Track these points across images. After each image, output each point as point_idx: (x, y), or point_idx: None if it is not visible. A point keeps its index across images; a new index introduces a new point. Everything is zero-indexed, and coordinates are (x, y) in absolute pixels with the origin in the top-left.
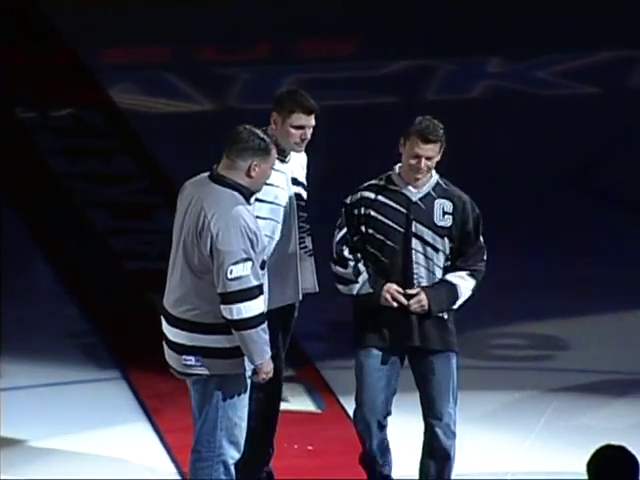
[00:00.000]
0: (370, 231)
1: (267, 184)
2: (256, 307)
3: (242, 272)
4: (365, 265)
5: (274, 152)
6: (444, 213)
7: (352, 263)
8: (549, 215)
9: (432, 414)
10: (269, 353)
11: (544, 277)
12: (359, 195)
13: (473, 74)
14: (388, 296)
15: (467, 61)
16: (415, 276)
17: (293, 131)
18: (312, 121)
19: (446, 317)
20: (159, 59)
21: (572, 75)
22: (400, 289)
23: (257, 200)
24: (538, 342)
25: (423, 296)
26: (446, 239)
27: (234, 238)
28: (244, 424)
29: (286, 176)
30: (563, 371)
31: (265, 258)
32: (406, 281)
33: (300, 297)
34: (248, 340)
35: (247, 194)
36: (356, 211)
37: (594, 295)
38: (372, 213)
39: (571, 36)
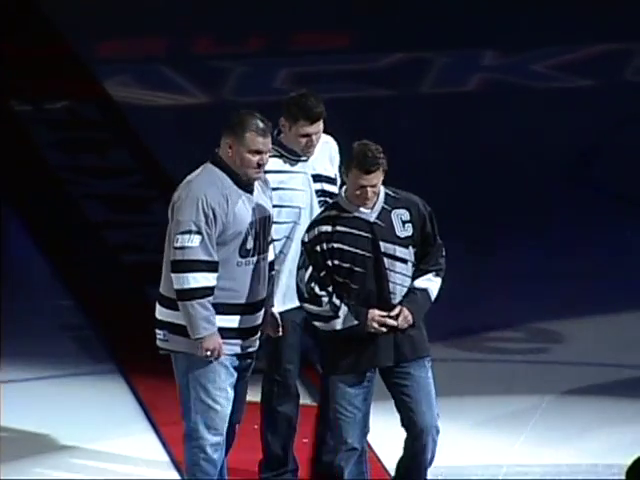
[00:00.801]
0: (336, 262)
1: (285, 189)
2: (196, 280)
3: (187, 243)
4: (339, 297)
5: (252, 136)
6: (403, 223)
7: (326, 299)
8: (544, 208)
9: (419, 420)
10: (209, 330)
11: (539, 270)
12: (316, 231)
13: (468, 67)
14: (375, 324)
15: (462, 54)
16: (391, 295)
17: (299, 138)
18: (318, 128)
19: (417, 323)
20: (154, 52)
21: (567, 68)
22: (383, 313)
23: (275, 206)
24: (533, 335)
25: (407, 312)
26: (410, 248)
27: (188, 208)
28: (221, 408)
29: (305, 176)
30: (558, 364)
31: (249, 247)
32: (382, 302)
33: None
34: (185, 312)
35: (232, 174)
36: (318, 247)
37: (588, 288)
38: (335, 245)
39: (566, 29)
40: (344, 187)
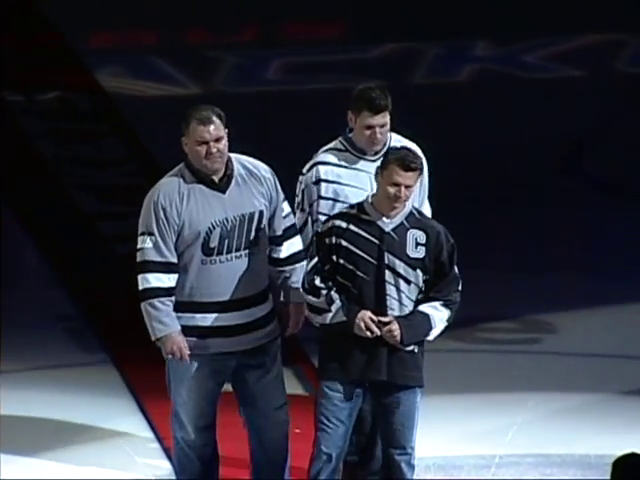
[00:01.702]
0: (341, 261)
1: (341, 183)
2: (147, 281)
3: (140, 244)
4: (337, 293)
5: (194, 126)
6: (417, 244)
7: (324, 292)
8: (537, 199)
9: (396, 446)
10: (162, 331)
11: (533, 261)
12: (330, 224)
13: (460, 58)
14: (362, 325)
15: (454, 45)
16: (387, 309)
17: (363, 130)
18: (382, 120)
19: (416, 351)
20: (146, 43)
21: (559, 58)
22: (374, 317)
23: (330, 199)
24: (526, 325)
25: (395, 326)
26: (419, 271)
27: (143, 210)
28: (192, 404)
29: (367, 176)
30: (551, 354)
31: (213, 245)
32: (377, 313)
33: None
34: (143, 314)
35: (195, 172)
36: (327, 240)
37: (582, 279)
38: (343, 243)
39: (558, 19)
40: (371, 193)
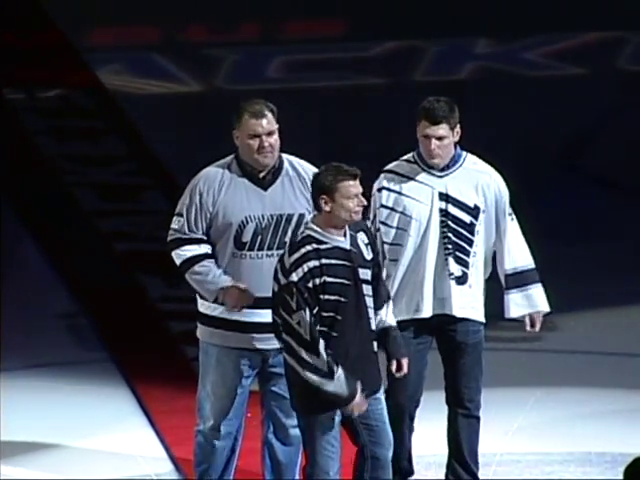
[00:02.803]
0: (325, 297)
1: (401, 194)
2: (180, 256)
3: (173, 225)
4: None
5: (246, 120)
6: (365, 245)
7: (323, 352)
8: (538, 196)
9: (381, 445)
10: (213, 292)
11: (533, 258)
12: (305, 268)
13: (461, 55)
14: (356, 412)
15: (455, 42)
16: (371, 320)
17: (422, 139)
18: (439, 132)
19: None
20: (147, 40)
21: (560, 56)
22: (365, 404)
23: (391, 209)
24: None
25: (404, 362)
26: (372, 269)
27: (184, 194)
28: (215, 399)
29: (431, 190)
30: (552, 352)
31: (246, 240)
32: (362, 329)
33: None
34: (189, 282)
35: (244, 165)
36: (310, 284)
37: (583, 276)
38: (327, 279)
39: (559, 17)
40: (309, 218)
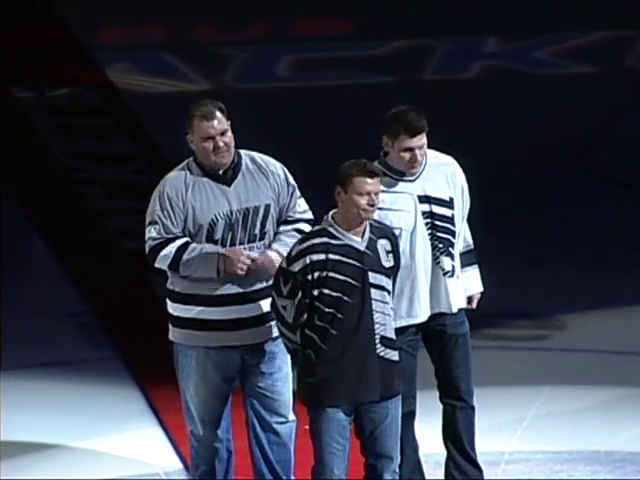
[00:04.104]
0: (325, 291)
1: (384, 209)
2: (164, 258)
3: (147, 235)
4: (319, 328)
5: (197, 122)
6: (387, 252)
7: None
8: (546, 194)
9: (382, 454)
10: (212, 261)
11: (542, 257)
12: (307, 260)
13: (470, 54)
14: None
15: (464, 41)
16: (377, 325)
17: (402, 153)
18: (420, 141)
19: (397, 358)
20: (156, 39)
21: (569, 55)
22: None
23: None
24: (535, 321)
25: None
26: (391, 277)
27: (150, 203)
28: (200, 400)
29: (410, 197)
30: (560, 350)
31: (218, 237)
32: (366, 332)
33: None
34: (190, 274)
35: (202, 165)
36: (309, 277)
37: (591, 275)
38: (330, 274)
39: (568, 16)
40: (331, 212)
